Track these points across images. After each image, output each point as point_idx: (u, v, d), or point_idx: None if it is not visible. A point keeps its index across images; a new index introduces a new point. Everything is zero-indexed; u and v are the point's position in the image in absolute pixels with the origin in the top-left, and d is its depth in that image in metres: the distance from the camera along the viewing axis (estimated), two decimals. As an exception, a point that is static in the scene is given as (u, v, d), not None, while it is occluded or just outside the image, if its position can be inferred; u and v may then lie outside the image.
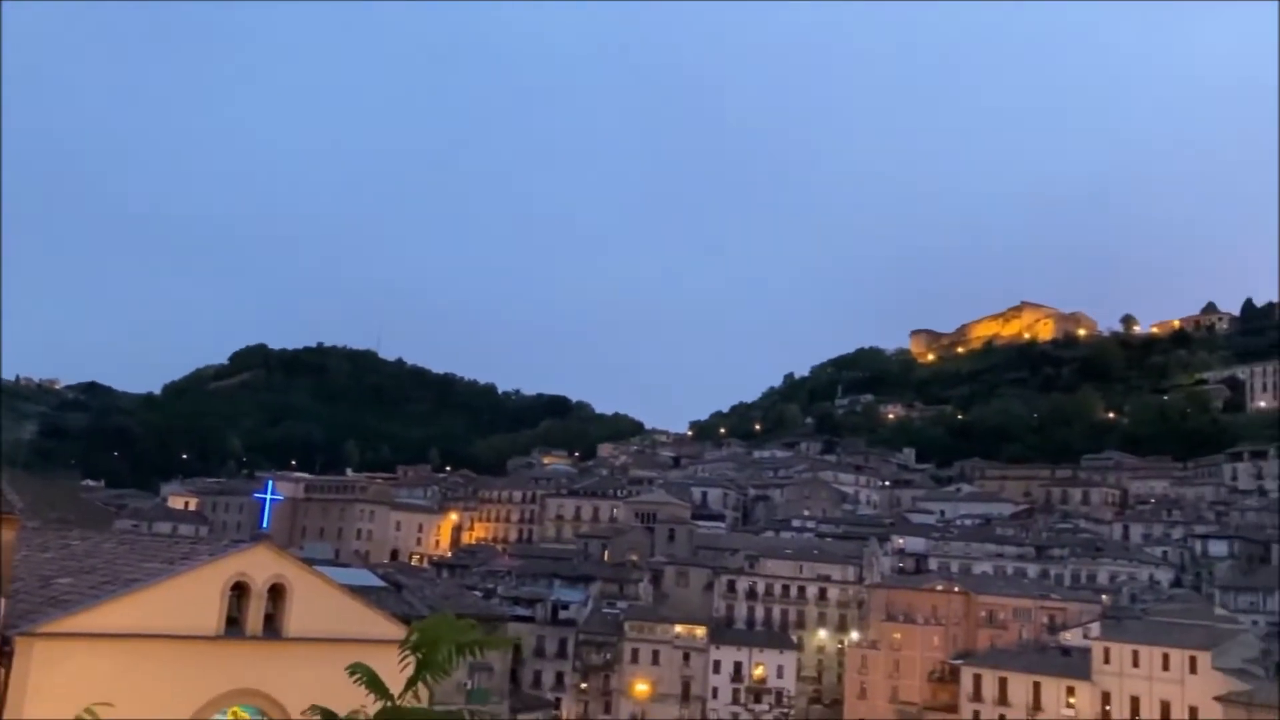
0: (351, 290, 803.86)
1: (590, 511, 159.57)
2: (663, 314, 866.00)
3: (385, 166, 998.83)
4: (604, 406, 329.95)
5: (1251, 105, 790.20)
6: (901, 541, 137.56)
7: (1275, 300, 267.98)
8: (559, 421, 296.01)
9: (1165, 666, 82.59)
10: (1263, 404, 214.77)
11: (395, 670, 10.05)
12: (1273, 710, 60.34)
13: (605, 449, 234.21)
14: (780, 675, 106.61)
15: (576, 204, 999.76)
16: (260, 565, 26.78)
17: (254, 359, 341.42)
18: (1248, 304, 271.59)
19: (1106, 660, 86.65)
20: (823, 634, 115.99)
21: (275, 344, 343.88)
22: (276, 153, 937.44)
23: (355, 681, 10.01)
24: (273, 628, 26.79)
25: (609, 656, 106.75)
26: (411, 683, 9.94)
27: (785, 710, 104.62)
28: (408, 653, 10.10)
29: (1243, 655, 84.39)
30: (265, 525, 52.65)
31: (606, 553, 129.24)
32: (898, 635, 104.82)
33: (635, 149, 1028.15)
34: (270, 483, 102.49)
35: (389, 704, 9.74)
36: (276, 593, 26.89)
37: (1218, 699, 67.62)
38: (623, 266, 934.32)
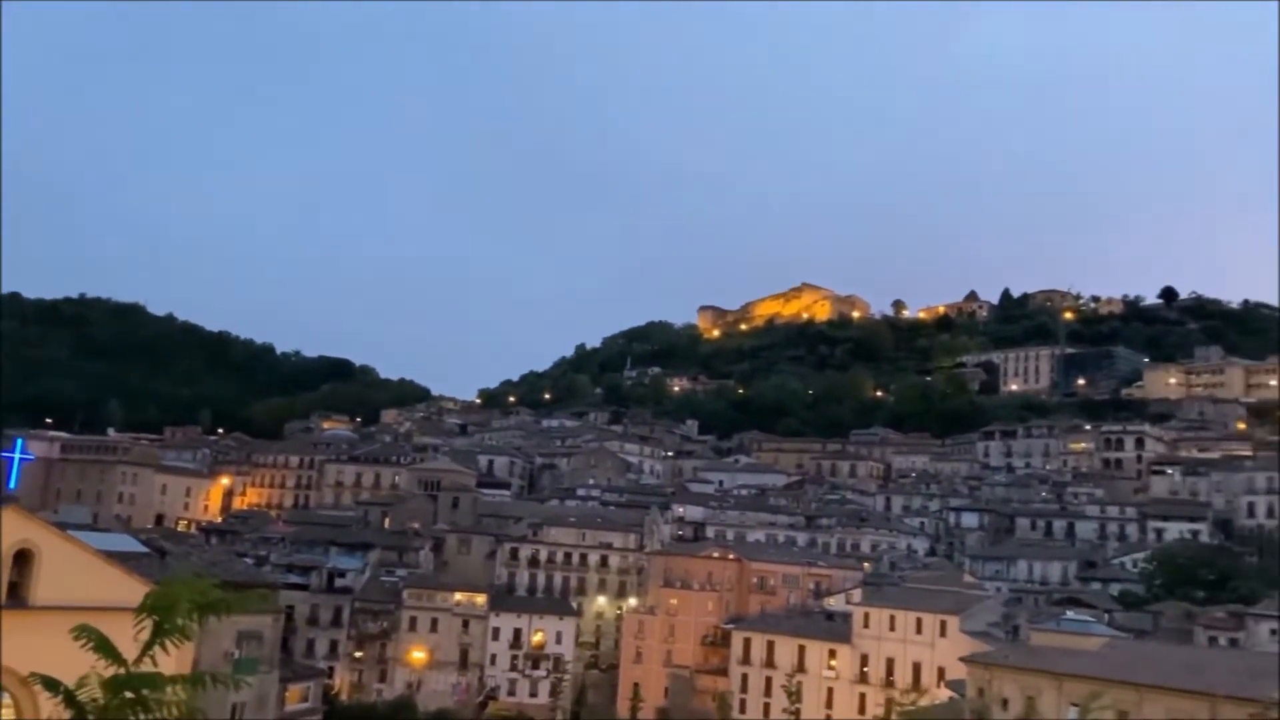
0: (118, 239, 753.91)
1: (372, 478, 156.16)
2: (454, 281, 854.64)
3: (152, 102, 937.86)
4: (390, 371, 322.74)
5: (1023, 106, 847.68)
6: (682, 510, 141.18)
7: (1029, 292, 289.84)
8: (341, 385, 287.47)
9: (919, 630, 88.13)
10: (1014, 387, 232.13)
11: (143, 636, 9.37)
12: (1010, 669, 65.30)
13: (389, 415, 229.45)
14: (559, 641, 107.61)
15: (365, 166, 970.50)
16: (5, 529, 24.70)
17: (4, 308, 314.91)
18: (1005, 294, 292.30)
19: (866, 624, 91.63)
20: (602, 600, 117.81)
21: (30, 293, 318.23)
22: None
23: (83, 647, 9.27)
24: (18, 595, 24.81)
25: (386, 625, 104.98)
26: (148, 647, 9.29)
27: (561, 675, 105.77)
28: (143, 617, 9.43)
29: (987, 619, 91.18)
30: (13, 486, 48.82)
31: (387, 520, 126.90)
32: (674, 601, 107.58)
33: (423, 116, 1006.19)
34: (20, 441, 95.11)
35: (123, 669, 9.06)
36: (23, 559, 24.89)
37: (963, 659, 72.60)
38: (415, 232, 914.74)
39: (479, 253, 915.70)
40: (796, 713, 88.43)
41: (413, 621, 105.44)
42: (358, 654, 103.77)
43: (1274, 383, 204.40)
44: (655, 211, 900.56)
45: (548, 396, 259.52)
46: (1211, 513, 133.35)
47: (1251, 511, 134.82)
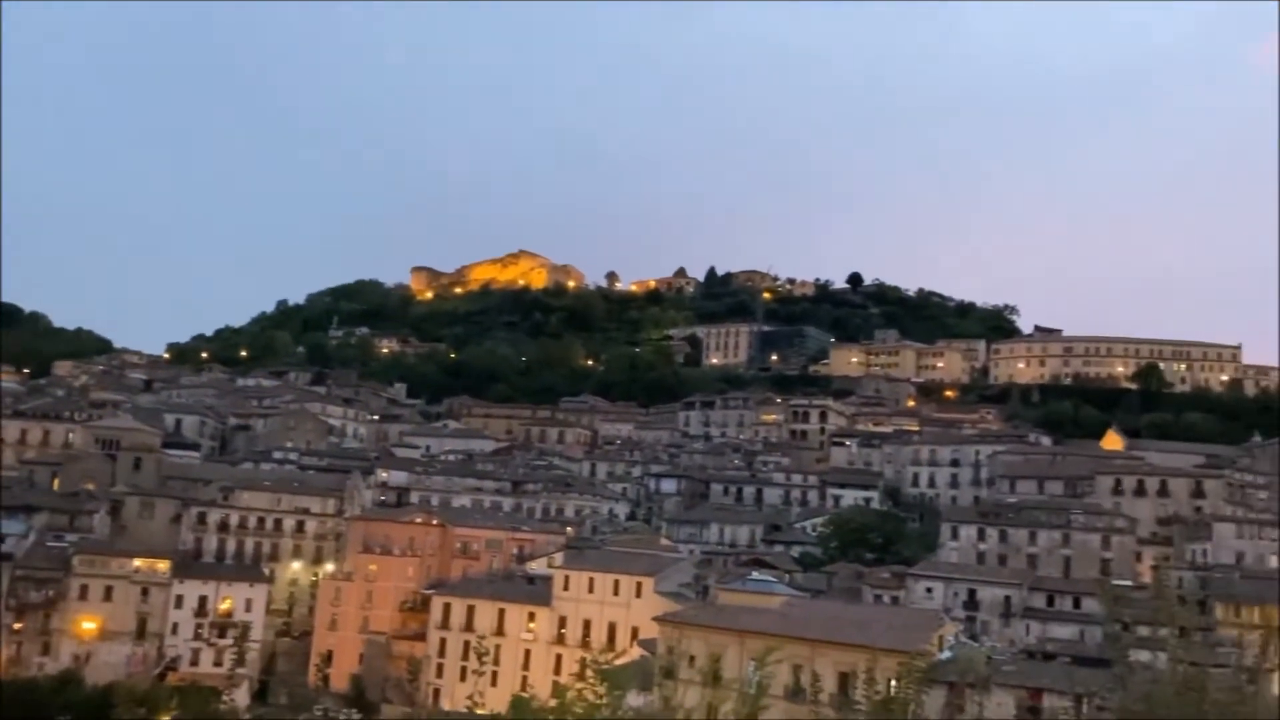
0: None
1: (40, 435, 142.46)
2: (140, 224, 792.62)
3: None
4: (64, 320, 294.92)
5: (735, 94, 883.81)
6: (385, 475, 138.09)
7: (733, 271, 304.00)
8: (6, 332, 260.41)
9: (616, 591, 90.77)
10: (715, 360, 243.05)
11: None
12: (698, 628, 68.42)
13: (63, 367, 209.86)
14: (249, 609, 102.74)
15: (37, 88, 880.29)
16: None
17: None
18: (711, 272, 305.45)
19: (566, 587, 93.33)
20: (297, 566, 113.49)
21: None
22: None
23: None
24: None
25: (52, 594, 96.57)
26: None
27: (244, 643, 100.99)
28: None
29: (680, 580, 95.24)
30: None
31: (57, 481, 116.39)
32: (373, 567, 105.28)
33: (109, 41, 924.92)
34: None
35: None
36: None
37: (655, 619, 75.39)
38: (94, 167, 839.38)
39: (171, 195, 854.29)
40: (492, 675, 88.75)
41: (83, 590, 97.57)
42: (17, 625, 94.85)
43: (941, 365, 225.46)
44: (371, 166, 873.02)
45: (244, 354, 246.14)
46: (883, 481, 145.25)
47: (916, 481, 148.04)
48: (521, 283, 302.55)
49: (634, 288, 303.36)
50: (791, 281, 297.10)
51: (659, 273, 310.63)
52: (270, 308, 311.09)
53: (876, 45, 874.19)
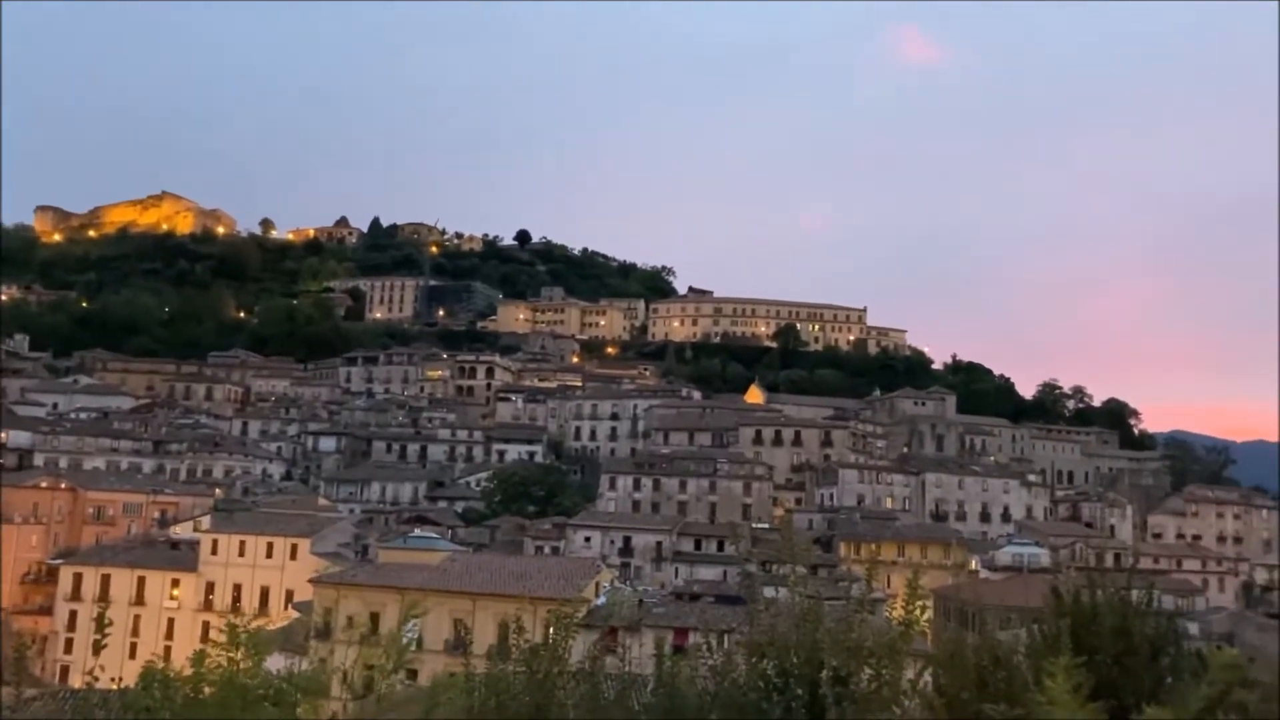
0: None
1: None
2: None
3: None
4: None
5: (402, 40, 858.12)
6: (4, 435, 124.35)
7: (399, 223, 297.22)
8: None
9: (269, 554, 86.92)
10: (379, 315, 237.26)
11: None
12: (356, 587, 66.88)
13: None
14: None
15: None
16: None
17: None
18: (375, 223, 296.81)
19: (214, 551, 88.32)
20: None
21: None
22: None
23: None
24: None
25: None
26: None
27: None
28: None
29: (339, 540, 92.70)
30: None
31: None
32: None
33: None
34: None
35: None
36: None
37: (311, 580, 73.00)
38: None
39: None
40: (131, 647, 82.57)
41: None
42: None
43: (604, 322, 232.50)
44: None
45: None
46: (546, 436, 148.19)
47: (578, 435, 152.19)
48: (165, 227, 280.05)
49: (291, 236, 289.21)
50: (459, 236, 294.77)
51: (319, 221, 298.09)
52: None
53: (562, 9, 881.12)
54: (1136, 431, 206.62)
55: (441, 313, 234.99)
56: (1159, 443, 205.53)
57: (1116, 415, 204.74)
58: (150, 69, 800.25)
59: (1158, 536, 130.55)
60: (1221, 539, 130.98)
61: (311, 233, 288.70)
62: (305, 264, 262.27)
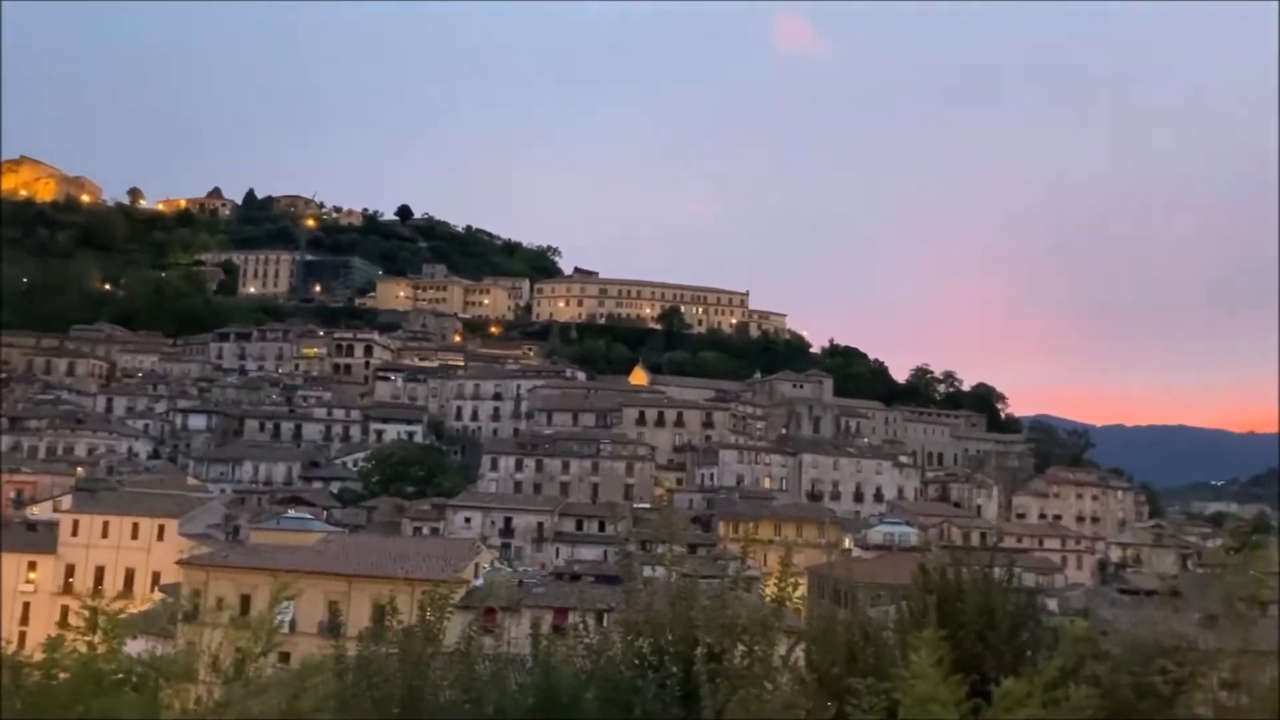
0: None
1: None
2: None
3: None
4: None
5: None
6: None
7: (274, 195, 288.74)
8: None
9: (135, 535, 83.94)
10: (253, 289, 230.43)
11: None
12: (226, 569, 65.09)
13: None
14: None
15: None
16: None
17: None
18: (250, 195, 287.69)
19: (75, 532, 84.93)
20: None
21: None
22: None
23: None
24: None
25: None
26: None
27: None
28: None
29: (208, 521, 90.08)
30: None
31: None
32: None
33: None
34: None
35: None
36: None
37: (179, 562, 70.81)
38: None
39: None
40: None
41: None
42: None
43: (487, 301, 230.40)
44: None
45: None
46: (427, 416, 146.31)
47: (460, 415, 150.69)
48: (24, 194, 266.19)
49: (161, 207, 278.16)
50: (338, 210, 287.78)
51: (190, 192, 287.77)
52: None
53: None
54: (1003, 415, 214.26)
55: (319, 289, 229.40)
56: (1024, 426, 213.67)
57: (985, 399, 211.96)
58: (10, 26, 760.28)
59: (1021, 516, 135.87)
60: (1080, 519, 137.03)
61: (183, 203, 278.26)
62: (176, 235, 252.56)
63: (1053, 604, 56.55)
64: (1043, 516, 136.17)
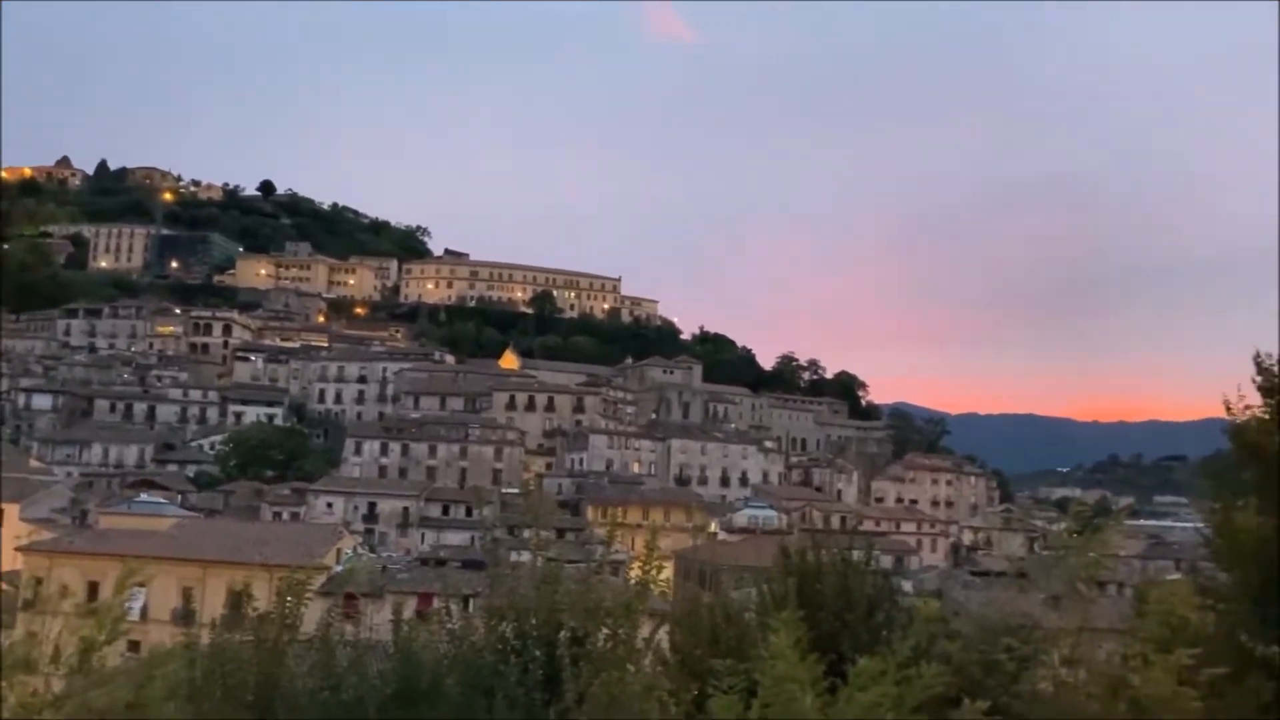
0: None
1: None
2: None
3: None
4: None
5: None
6: None
7: (129, 166, 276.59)
8: None
9: (-30, 522, 79.53)
10: (104, 264, 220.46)
11: None
12: (73, 555, 62.39)
13: None
14: None
15: None
16: None
17: None
18: (102, 165, 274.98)
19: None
20: None
21: None
22: None
23: None
24: None
25: None
26: None
27: None
28: None
29: (53, 505, 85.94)
30: None
31: None
32: None
33: None
34: None
35: None
36: None
37: (19, 549, 67.49)
38: None
39: None
40: None
41: None
42: None
43: (353, 281, 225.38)
44: None
45: None
46: (288, 398, 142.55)
47: (323, 397, 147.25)
48: None
49: (5, 174, 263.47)
50: (197, 184, 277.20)
51: (36, 160, 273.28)
52: None
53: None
54: (864, 403, 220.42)
55: (175, 265, 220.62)
56: (884, 414, 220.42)
57: (847, 387, 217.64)
58: None
59: (880, 501, 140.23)
60: (935, 503, 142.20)
61: (28, 172, 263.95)
62: (19, 205, 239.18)
63: (908, 585, 58.57)
64: (900, 501, 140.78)
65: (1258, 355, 11.41)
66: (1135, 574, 47.27)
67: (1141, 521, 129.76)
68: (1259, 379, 11.35)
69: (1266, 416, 11.22)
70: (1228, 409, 11.40)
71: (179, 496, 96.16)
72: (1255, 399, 11.32)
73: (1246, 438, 11.23)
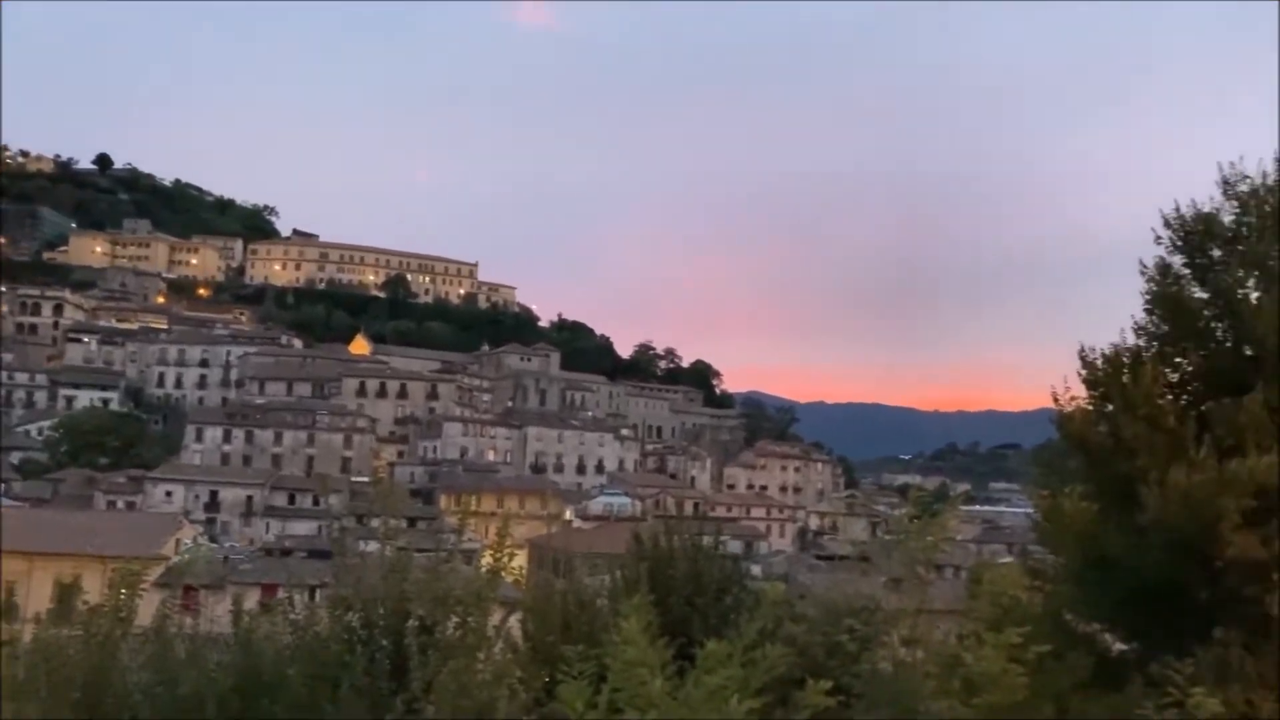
0: None
1: None
2: None
3: None
4: None
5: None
6: None
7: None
8: None
9: None
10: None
11: None
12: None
13: None
14: None
15: None
16: None
17: None
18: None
19: None
20: None
21: None
22: None
23: None
24: None
25: None
26: None
27: None
28: None
29: None
30: None
31: None
32: None
33: None
34: None
35: None
36: None
37: None
38: None
39: None
40: None
41: None
42: None
43: (196, 261, 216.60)
44: None
45: None
46: (124, 382, 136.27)
47: (162, 381, 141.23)
48: None
49: None
50: (25, 155, 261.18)
51: None
52: None
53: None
54: (718, 391, 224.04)
55: (2, 240, 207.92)
56: (737, 402, 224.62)
57: (702, 375, 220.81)
58: None
59: (731, 487, 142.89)
60: (784, 489, 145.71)
61: None
62: None
63: (757, 569, 59.91)
64: (750, 487, 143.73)
65: (1082, 349, 12.02)
66: (970, 557, 49.49)
67: (977, 507, 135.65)
68: (1083, 372, 11.95)
69: (1090, 408, 11.84)
70: (1055, 400, 12.00)
71: (2, 485, 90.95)
72: (1081, 391, 11.93)
73: (1072, 428, 11.84)
